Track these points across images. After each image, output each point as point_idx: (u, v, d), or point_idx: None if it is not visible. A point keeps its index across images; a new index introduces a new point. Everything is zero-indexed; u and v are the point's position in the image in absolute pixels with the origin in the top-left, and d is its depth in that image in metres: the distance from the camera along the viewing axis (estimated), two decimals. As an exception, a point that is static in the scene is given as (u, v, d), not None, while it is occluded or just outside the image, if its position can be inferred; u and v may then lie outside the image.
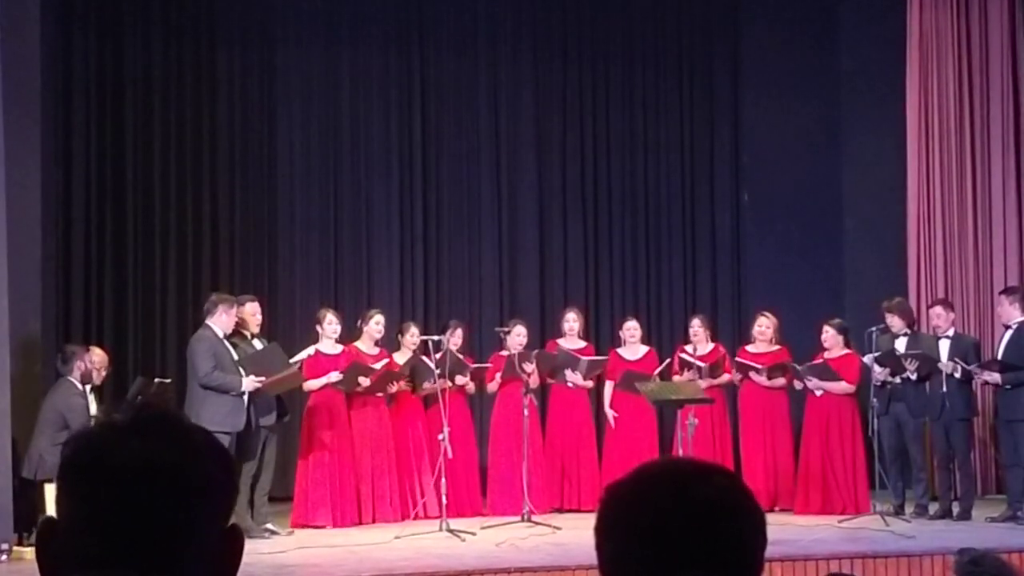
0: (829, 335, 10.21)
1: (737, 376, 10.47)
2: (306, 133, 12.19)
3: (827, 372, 10.01)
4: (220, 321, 8.95)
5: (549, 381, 10.52)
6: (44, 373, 9.40)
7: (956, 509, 9.66)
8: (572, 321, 10.66)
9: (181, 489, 1.32)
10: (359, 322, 10.01)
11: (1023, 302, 9.73)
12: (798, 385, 10.22)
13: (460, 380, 10.08)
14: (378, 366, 9.81)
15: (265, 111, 12.08)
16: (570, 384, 10.40)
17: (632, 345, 10.67)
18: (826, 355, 10.21)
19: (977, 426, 10.65)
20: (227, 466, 1.40)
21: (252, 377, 8.83)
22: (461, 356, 10.20)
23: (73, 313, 11.14)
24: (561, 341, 10.64)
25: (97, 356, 9.32)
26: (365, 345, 9.92)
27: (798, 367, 10.09)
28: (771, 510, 9.75)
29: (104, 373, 9.40)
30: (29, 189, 9.34)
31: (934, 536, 8.58)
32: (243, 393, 8.81)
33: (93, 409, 8.98)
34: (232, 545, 1.38)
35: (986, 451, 11.08)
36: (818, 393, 10.05)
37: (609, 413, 10.53)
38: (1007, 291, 10.05)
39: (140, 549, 1.31)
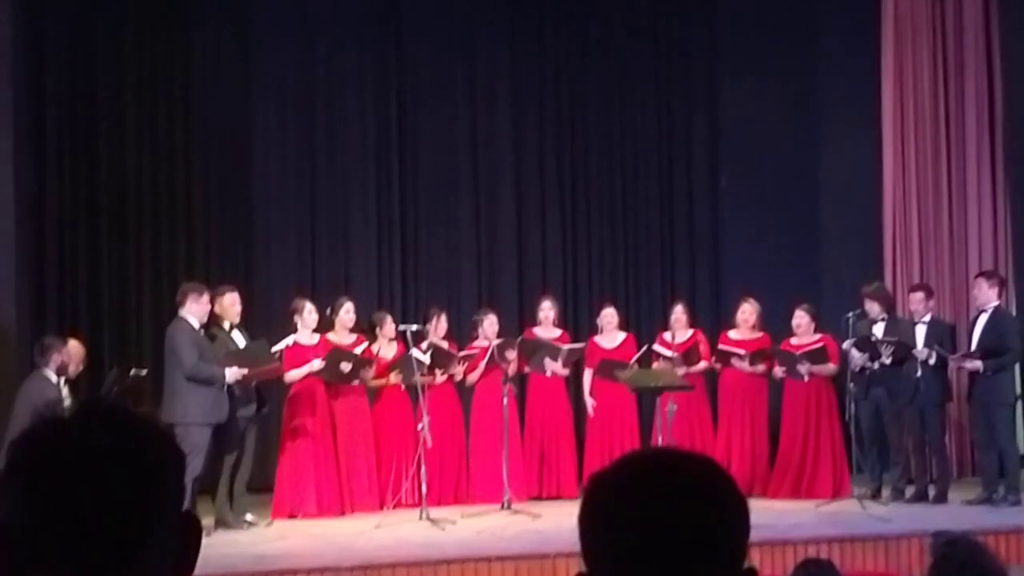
0: (803, 320, 10.25)
1: (716, 364, 10.50)
2: (282, 122, 12.12)
3: (823, 355, 10.05)
4: (192, 310, 8.88)
5: (527, 370, 10.51)
6: (19, 364, 9.34)
7: (932, 492, 9.73)
8: (547, 309, 10.66)
9: (133, 479, 1.33)
10: (328, 312, 9.97)
11: (1000, 286, 9.79)
12: (779, 372, 10.24)
13: (454, 370, 10.07)
14: (357, 352, 9.81)
15: (240, 99, 12.00)
16: (548, 373, 10.41)
17: (610, 332, 10.68)
18: (795, 340, 10.25)
19: (953, 409, 10.71)
20: (175, 452, 1.40)
21: (235, 368, 8.79)
22: (447, 343, 10.20)
23: (47, 304, 11.06)
24: (537, 329, 10.64)
25: (74, 349, 9.25)
26: (339, 335, 9.89)
27: (795, 353, 10.10)
28: (749, 495, 9.77)
29: (80, 367, 9.33)
30: (2, 180, 9.29)
31: (910, 519, 8.63)
32: (225, 385, 8.77)
33: (67, 402, 8.93)
34: (189, 530, 1.39)
35: (962, 434, 11.14)
36: (807, 378, 10.07)
37: (588, 401, 10.55)
38: (986, 274, 10.07)
39: (98, 542, 1.31)
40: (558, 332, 10.67)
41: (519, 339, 10.35)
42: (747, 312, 10.51)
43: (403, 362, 9.77)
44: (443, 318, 10.31)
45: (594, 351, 10.56)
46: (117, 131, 11.54)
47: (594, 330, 10.96)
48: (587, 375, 10.59)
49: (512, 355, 10.11)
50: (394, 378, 9.94)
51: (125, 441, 1.34)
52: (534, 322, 10.90)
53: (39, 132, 11.12)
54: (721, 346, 10.45)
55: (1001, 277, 10.14)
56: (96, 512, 1.31)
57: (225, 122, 11.94)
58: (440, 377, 10.01)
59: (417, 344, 9.63)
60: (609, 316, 10.70)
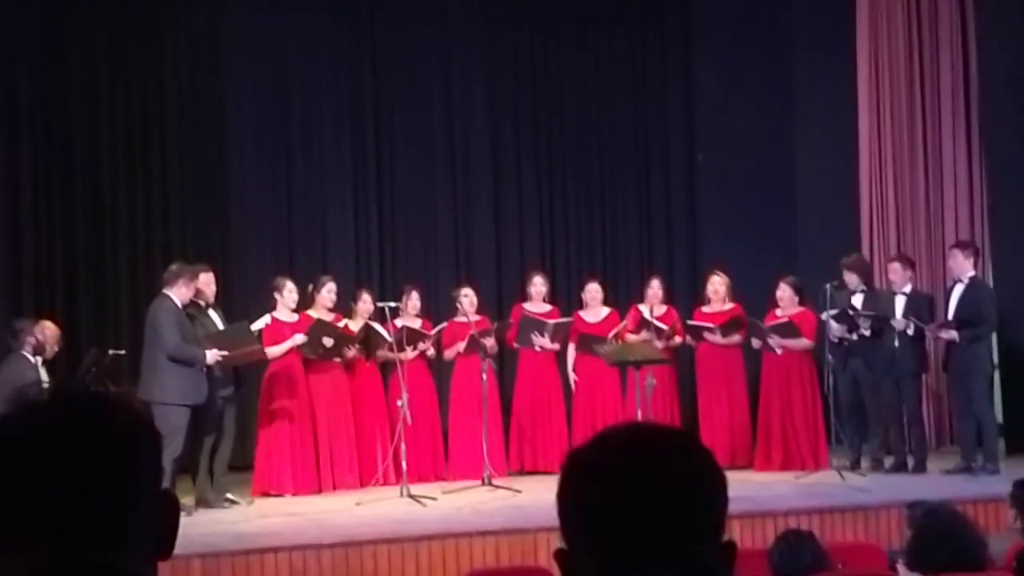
0: (786, 293, 10.26)
1: (691, 340, 10.51)
2: (256, 98, 12.05)
3: (790, 329, 10.05)
4: (179, 292, 8.82)
5: (516, 346, 10.50)
6: (-2, 347, 9.31)
7: (911, 462, 9.78)
8: (539, 285, 10.64)
9: (108, 463, 1.33)
10: (310, 289, 9.93)
11: (976, 257, 9.83)
12: (755, 344, 10.26)
13: (421, 346, 10.08)
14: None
15: (214, 75, 11.91)
16: (537, 348, 10.40)
17: (594, 307, 10.68)
18: (779, 312, 10.26)
19: (931, 379, 10.76)
20: (150, 434, 1.41)
21: (215, 350, 8.74)
22: (420, 320, 10.19)
23: (24, 285, 11.01)
24: (526, 305, 10.63)
25: (49, 330, 9.20)
26: (319, 313, 9.86)
27: (761, 325, 10.12)
28: (729, 467, 9.82)
29: (56, 347, 9.29)
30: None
31: (889, 489, 8.67)
32: (204, 366, 8.72)
33: (46, 382, 8.89)
34: (168, 508, 1.40)
35: (940, 404, 11.20)
36: (779, 351, 10.08)
37: (572, 377, 10.55)
38: (961, 245, 10.10)
39: (74, 527, 1.31)
40: (548, 308, 10.66)
41: (496, 326, 10.28)
42: (715, 284, 10.52)
43: (370, 335, 9.75)
44: (414, 295, 10.29)
45: (577, 326, 10.56)
46: (91, 112, 11.45)
47: (573, 305, 10.96)
48: (571, 350, 10.60)
49: (490, 342, 10.06)
50: (359, 351, 9.91)
51: (99, 426, 1.35)
52: (512, 296, 10.88)
53: (12, 115, 11.04)
54: (691, 322, 10.45)
55: (976, 247, 10.18)
56: (72, 497, 1.31)
57: (199, 102, 11.86)
58: (411, 353, 9.96)
59: (393, 320, 9.62)
60: (593, 291, 10.70)
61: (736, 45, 12.72)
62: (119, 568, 1.32)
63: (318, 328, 9.54)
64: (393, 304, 9.68)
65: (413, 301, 10.24)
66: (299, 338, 9.49)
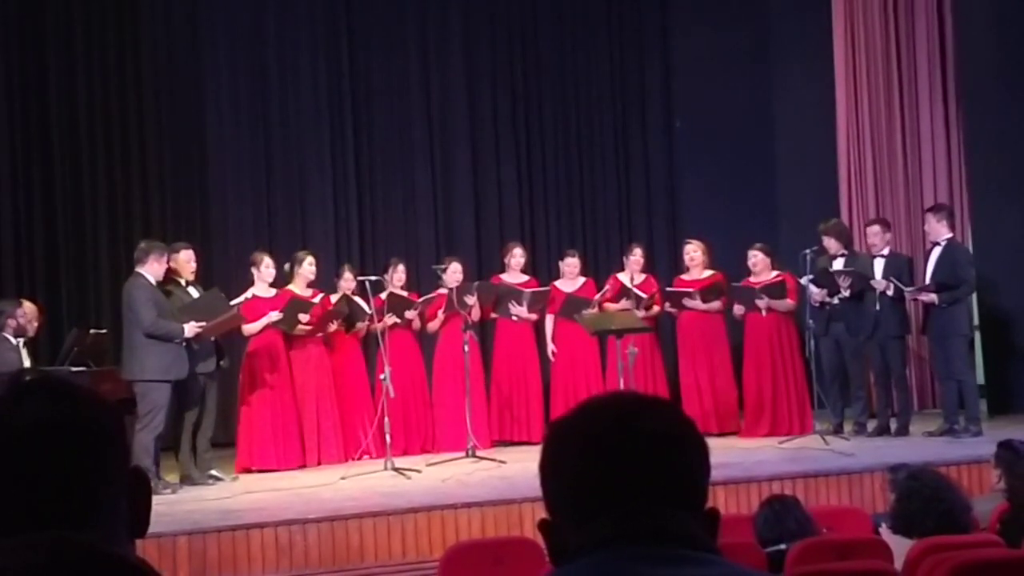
0: (758, 259, 10.25)
1: (669, 307, 10.49)
2: (234, 75, 12.00)
3: (781, 290, 10.05)
4: (152, 269, 8.78)
5: (493, 316, 10.50)
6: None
7: (894, 425, 9.81)
8: (518, 256, 10.63)
9: (77, 443, 1.33)
10: (291, 265, 9.90)
11: (950, 219, 9.84)
12: (737, 311, 10.25)
13: (409, 315, 10.06)
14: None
15: (191, 53, 11.87)
16: (514, 317, 10.40)
17: (571, 279, 10.67)
18: (753, 279, 10.25)
19: (913, 342, 10.79)
20: (114, 414, 1.41)
21: (192, 323, 8.71)
22: (405, 293, 10.18)
23: (4, 266, 10.96)
24: (504, 276, 10.63)
25: (28, 308, 9.15)
26: (299, 288, 9.83)
27: (747, 288, 10.12)
28: (713, 434, 9.84)
29: (36, 325, 9.24)
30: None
31: (873, 453, 8.70)
32: (184, 341, 8.69)
33: (27, 363, 8.85)
34: (140, 486, 1.40)
35: (923, 366, 11.24)
36: (764, 313, 10.08)
37: (550, 347, 10.55)
38: (933, 209, 10.11)
39: (43, 513, 1.31)
40: (525, 278, 10.66)
41: (476, 283, 10.31)
42: (690, 251, 10.51)
43: (350, 308, 9.70)
44: (400, 268, 10.27)
45: (557, 296, 10.56)
46: (68, 92, 11.40)
47: (552, 276, 10.96)
48: (549, 320, 10.59)
49: (472, 300, 10.06)
50: (339, 325, 9.88)
51: (61, 409, 1.35)
52: (493, 269, 10.88)
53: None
54: (669, 289, 10.44)
55: (950, 209, 10.18)
56: (42, 482, 1.31)
57: (177, 79, 11.83)
58: (388, 320, 9.89)
59: (376, 295, 9.59)
60: (572, 265, 10.69)
61: (713, 10, 12.70)
62: (100, 549, 1.31)
63: (294, 306, 9.52)
64: (374, 278, 9.65)
65: (399, 274, 10.23)
66: (274, 315, 9.46)
